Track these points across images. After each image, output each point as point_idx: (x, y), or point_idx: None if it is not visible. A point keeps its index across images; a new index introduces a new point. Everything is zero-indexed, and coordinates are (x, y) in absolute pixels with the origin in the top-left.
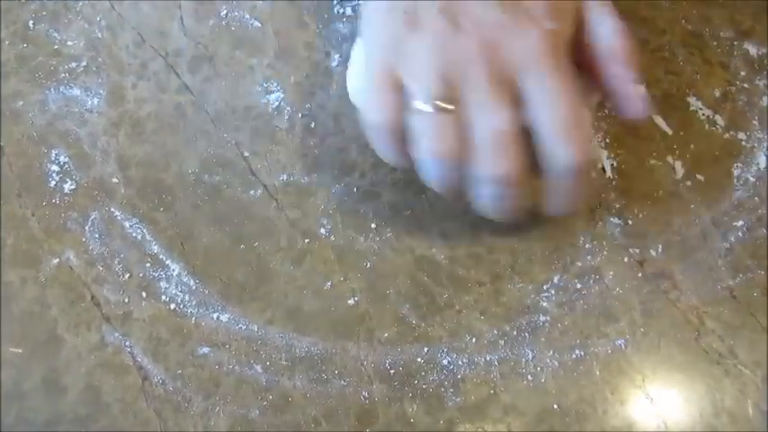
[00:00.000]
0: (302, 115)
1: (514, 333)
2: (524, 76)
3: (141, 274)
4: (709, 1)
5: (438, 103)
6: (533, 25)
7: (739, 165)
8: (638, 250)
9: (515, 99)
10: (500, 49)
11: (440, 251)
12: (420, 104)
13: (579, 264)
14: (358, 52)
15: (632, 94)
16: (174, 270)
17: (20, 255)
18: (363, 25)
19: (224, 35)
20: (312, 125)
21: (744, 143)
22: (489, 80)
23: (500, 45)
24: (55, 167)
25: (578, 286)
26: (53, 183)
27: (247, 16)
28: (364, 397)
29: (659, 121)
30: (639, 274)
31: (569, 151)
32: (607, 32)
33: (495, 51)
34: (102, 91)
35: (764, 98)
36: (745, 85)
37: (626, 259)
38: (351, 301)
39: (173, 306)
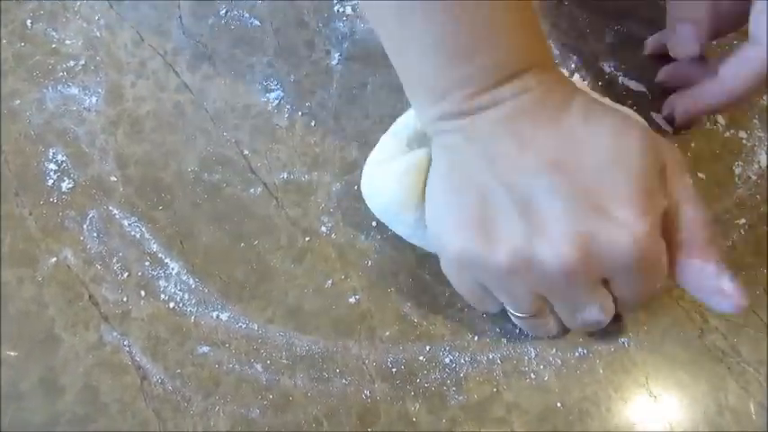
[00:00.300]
0: (302, 113)
1: (517, 331)
2: (612, 278)
3: (140, 273)
4: None
5: (528, 316)
6: (621, 233)
7: (740, 163)
8: None
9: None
10: (586, 263)
11: None
12: (513, 311)
13: None
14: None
15: (721, 289)
16: (173, 268)
17: (17, 254)
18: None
19: (223, 34)
20: (312, 123)
21: (744, 141)
22: (575, 293)
23: (587, 257)
24: (53, 166)
25: None
26: (51, 181)
27: (247, 15)
28: (366, 396)
29: (659, 119)
30: None
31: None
32: (690, 223)
33: (583, 265)
34: (100, 90)
35: (765, 97)
36: None
37: None
38: (352, 300)
39: (172, 305)
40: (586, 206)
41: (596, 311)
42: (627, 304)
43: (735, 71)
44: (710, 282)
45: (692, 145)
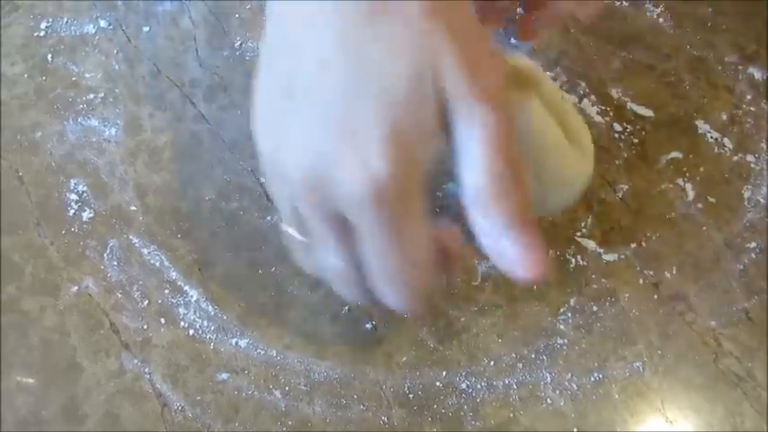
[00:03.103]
0: None
1: (532, 356)
2: (351, 221)
3: (160, 301)
4: (713, 27)
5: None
6: (358, 168)
7: (749, 187)
8: (652, 272)
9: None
10: (325, 188)
11: (456, 274)
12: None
13: (595, 286)
14: None
15: (508, 252)
16: (192, 296)
17: (39, 283)
18: None
19: (238, 65)
20: None
21: (753, 165)
22: (317, 220)
23: (325, 183)
24: (73, 196)
25: (594, 309)
26: (72, 211)
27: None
28: (384, 422)
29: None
30: (655, 296)
31: (392, 301)
32: (474, 167)
33: (321, 189)
34: (119, 121)
35: None
36: (752, 108)
37: (641, 281)
38: (368, 326)
39: (191, 332)
40: (336, 127)
41: (332, 257)
42: (375, 275)
43: None
44: (494, 242)
45: (701, 169)
